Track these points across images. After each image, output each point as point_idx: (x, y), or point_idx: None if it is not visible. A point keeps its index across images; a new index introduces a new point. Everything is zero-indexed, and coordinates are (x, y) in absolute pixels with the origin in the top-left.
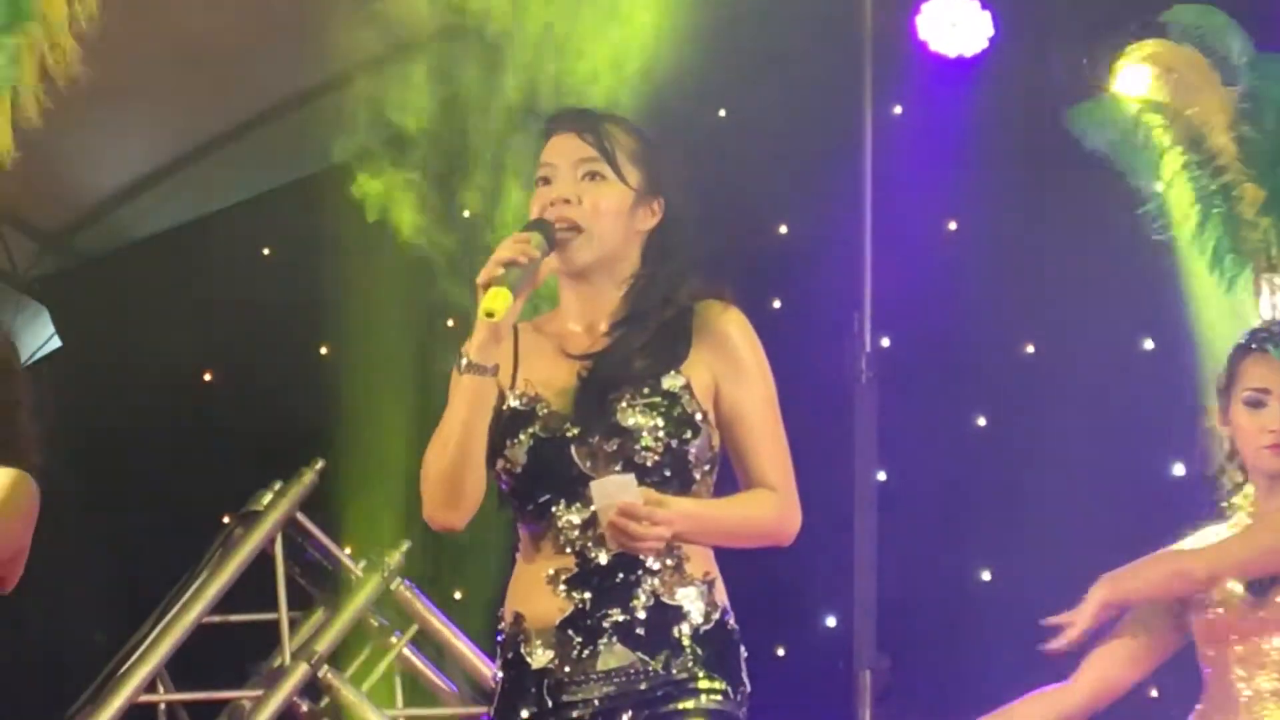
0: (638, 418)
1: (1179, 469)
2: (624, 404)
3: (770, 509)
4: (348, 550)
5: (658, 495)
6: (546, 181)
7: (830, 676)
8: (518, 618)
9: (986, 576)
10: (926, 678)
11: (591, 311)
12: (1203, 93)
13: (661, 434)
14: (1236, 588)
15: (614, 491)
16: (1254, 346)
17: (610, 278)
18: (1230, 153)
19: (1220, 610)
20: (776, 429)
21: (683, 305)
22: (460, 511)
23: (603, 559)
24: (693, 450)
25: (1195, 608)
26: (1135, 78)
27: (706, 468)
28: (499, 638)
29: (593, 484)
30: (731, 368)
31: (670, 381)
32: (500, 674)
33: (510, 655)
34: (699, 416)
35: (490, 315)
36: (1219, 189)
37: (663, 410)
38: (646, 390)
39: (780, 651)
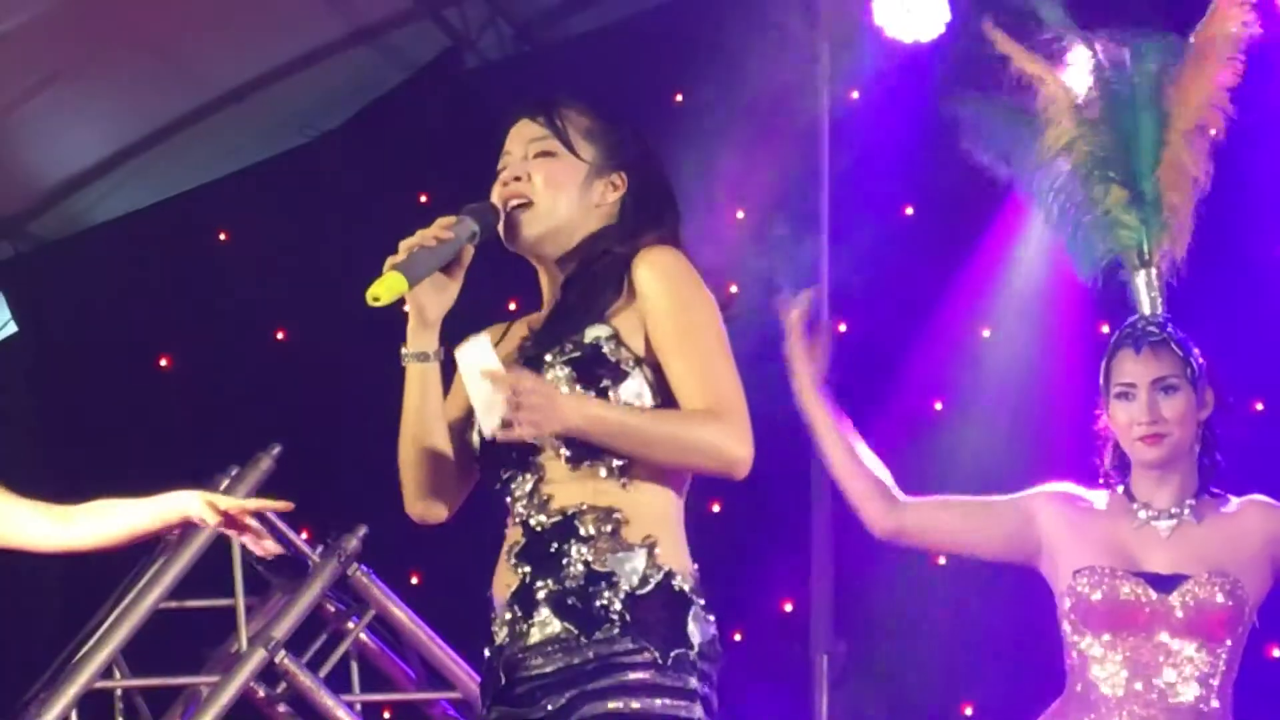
0: (556, 373)
1: None
2: (547, 363)
3: (707, 428)
4: (304, 535)
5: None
6: (504, 169)
7: (787, 661)
8: (490, 597)
9: (943, 561)
10: (883, 662)
11: (555, 288)
12: (1068, 89)
13: (579, 387)
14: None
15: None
16: (1121, 345)
17: (569, 252)
18: (1084, 155)
19: None
20: (706, 351)
21: (618, 255)
22: (436, 501)
23: (541, 527)
24: (619, 397)
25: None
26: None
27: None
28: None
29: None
30: (653, 301)
31: (595, 332)
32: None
33: (489, 634)
34: (628, 363)
35: (376, 300)
36: (1086, 194)
37: (579, 364)
38: (569, 345)
39: (737, 636)
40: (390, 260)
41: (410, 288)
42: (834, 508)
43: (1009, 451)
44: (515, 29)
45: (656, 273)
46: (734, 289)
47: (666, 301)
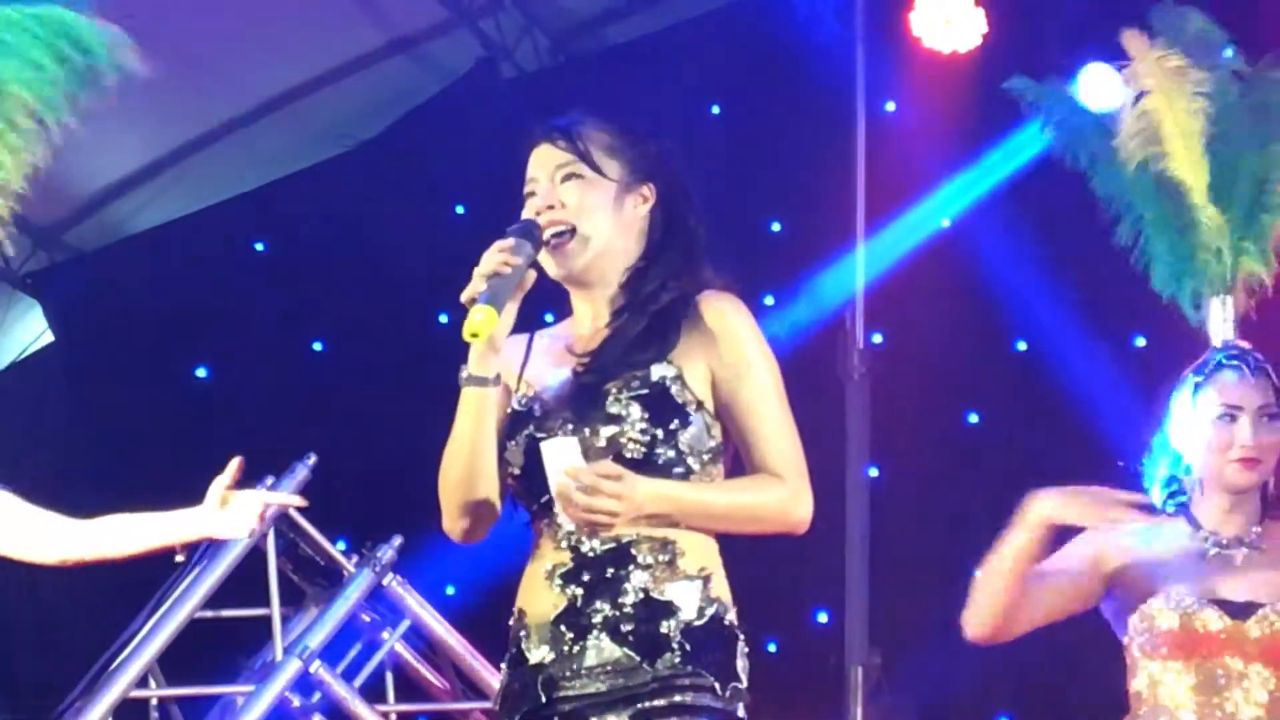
0: (624, 409)
1: None
2: (613, 396)
3: (771, 494)
4: (340, 545)
5: (617, 469)
6: (532, 194)
7: (822, 672)
8: (520, 614)
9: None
10: (918, 674)
11: (596, 309)
12: (1175, 108)
13: (646, 425)
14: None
15: (558, 455)
16: (1225, 363)
17: (609, 273)
18: (1195, 177)
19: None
20: (778, 413)
21: (681, 292)
22: (479, 522)
23: (594, 552)
24: (683, 440)
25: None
26: (1109, 84)
27: (706, 457)
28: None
29: (542, 445)
30: (726, 354)
31: (660, 371)
32: (505, 669)
33: (514, 651)
34: (691, 406)
35: (475, 336)
36: (1179, 209)
37: (649, 401)
38: (636, 382)
39: (772, 647)
40: (468, 294)
41: (499, 317)
42: (869, 519)
43: (1043, 462)
44: (551, 39)
45: (744, 324)
46: (770, 300)
47: (748, 359)
